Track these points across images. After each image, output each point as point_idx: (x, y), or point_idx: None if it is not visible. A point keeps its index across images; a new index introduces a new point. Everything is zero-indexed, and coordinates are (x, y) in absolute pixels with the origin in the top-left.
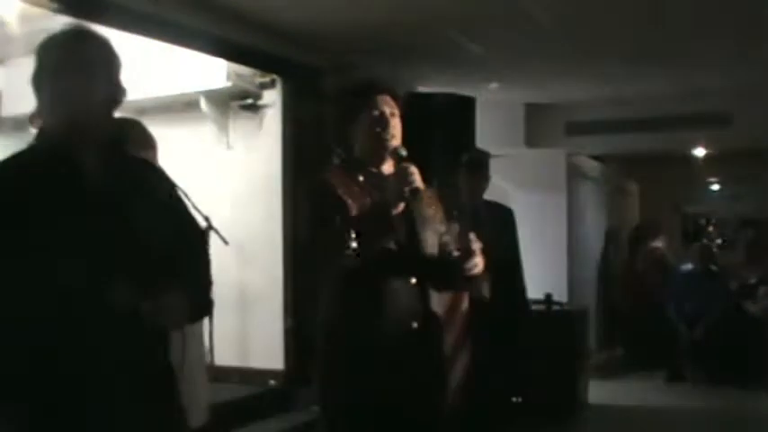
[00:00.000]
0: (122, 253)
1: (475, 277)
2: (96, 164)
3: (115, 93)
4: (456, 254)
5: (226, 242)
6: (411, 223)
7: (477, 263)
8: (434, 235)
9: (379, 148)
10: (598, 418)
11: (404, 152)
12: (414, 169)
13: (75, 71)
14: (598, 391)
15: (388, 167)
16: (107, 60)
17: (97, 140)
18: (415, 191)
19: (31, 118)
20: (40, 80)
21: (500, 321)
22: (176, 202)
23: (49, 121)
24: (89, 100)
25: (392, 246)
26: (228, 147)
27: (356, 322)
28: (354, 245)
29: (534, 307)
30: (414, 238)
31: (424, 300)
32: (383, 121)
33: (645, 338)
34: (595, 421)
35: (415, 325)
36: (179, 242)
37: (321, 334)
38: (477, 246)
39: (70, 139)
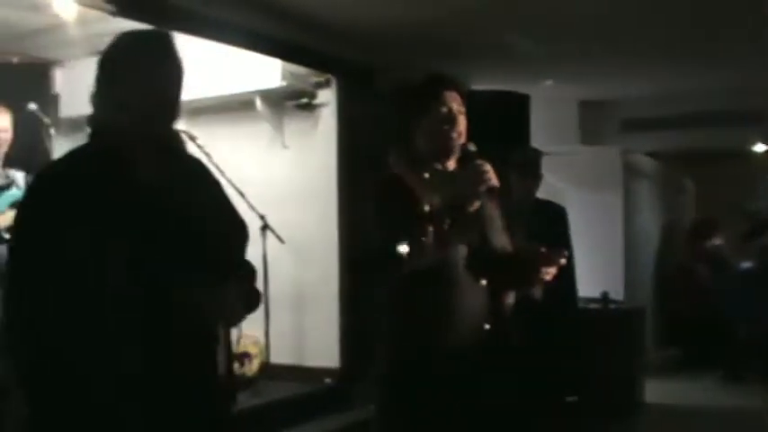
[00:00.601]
0: (185, 249)
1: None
2: (158, 161)
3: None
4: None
5: (282, 241)
6: (482, 222)
7: (554, 271)
8: (498, 234)
9: (446, 146)
10: (655, 417)
11: (473, 148)
12: (489, 167)
13: (166, 71)
14: (655, 391)
15: (451, 165)
16: (182, 63)
17: (164, 140)
18: (492, 189)
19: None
20: (117, 75)
21: (548, 321)
22: (224, 198)
23: (121, 118)
24: (174, 99)
25: (463, 245)
26: (284, 146)
27: (428, 323)
28: (429, 243)
29: (591, 305)
30: (485, 237)
31: (496, 301)
32: (452, 118)
33: (702, 338)
34: (652, 421)
35: (487, 326)
36: (230, 236)
37: (387, 333)
38: (551, 252)
39: (148, 135)
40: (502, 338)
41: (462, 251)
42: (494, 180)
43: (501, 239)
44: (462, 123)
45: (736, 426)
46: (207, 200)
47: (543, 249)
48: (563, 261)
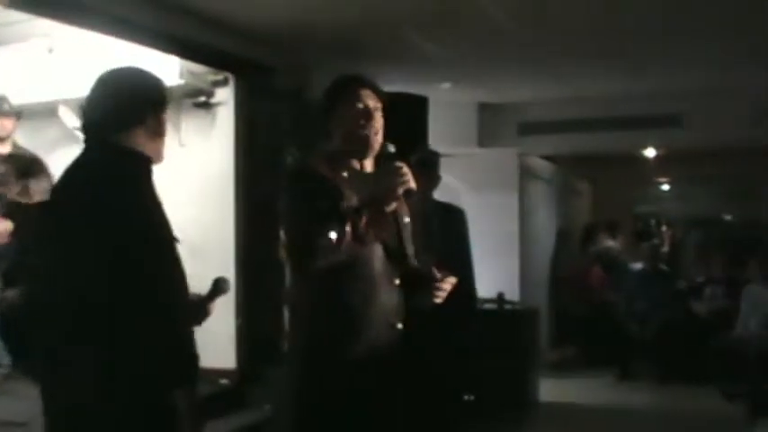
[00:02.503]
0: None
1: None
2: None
3: None
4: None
5: (177, 240)
6: (397, 225)
7: (444, 294)
8: (409, 238)
9: (363, 142)
10: (549, 415)
11: (392, 149)
12: (407, 169)
13: None
14: (550, 390)
15: (369, 165)
16: None
17: None
18: (410, 191)
19: None
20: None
21: (448, 322)
22: None
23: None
24: None
25: (379, 246)
26: (181, 144)
27: (341, 319)
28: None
29: (486, 306)
30: (400, 240)
31: (407, 301)
32: (367, 114)
33: (596, 337)
34: (546, 419)
35: (399, 325)
36: None
37: (299, 330)
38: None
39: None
40: (411, 337)
41: (378, 251)
42: (411, 182)
43: (410, 245)
44: (379, 120)
45: (627, 423)
46: None
47: (436, 272)
48: (448, 287)
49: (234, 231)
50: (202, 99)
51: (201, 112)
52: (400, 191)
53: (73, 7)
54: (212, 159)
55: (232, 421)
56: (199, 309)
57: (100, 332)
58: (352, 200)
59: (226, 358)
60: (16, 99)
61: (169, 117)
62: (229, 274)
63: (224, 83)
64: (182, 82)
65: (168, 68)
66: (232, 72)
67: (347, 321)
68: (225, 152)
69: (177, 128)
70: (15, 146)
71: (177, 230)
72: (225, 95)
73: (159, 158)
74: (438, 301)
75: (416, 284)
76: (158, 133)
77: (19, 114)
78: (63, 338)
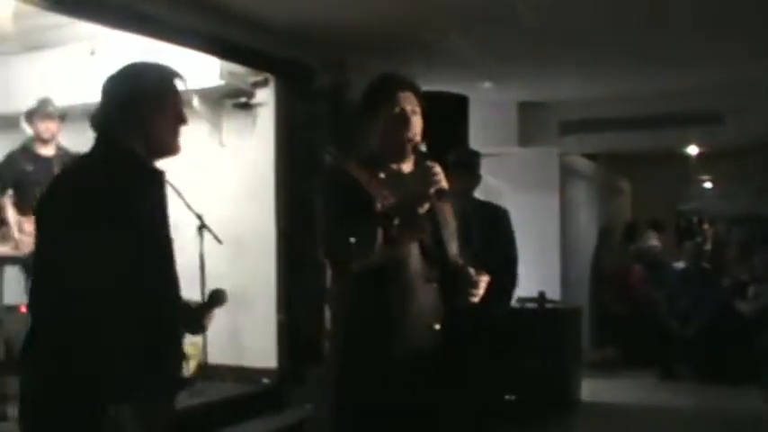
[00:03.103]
0: None
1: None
2: None
3: None
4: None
5: (219, 241)
6: (435, 225)
7: (481, 292)
8: (453, 240)
9: (399, 146)
10: (591, 415)
11: (423, 148)
12: (439, 169)
13: None
14: (591, 389)
15: (407, 166)
16: None
17: None
18: (441, 191)
19: (28, 116)
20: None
21: (490, 321)
22: None
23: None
24: None
25: (416, 246)
26: (222, 145)
27: (378, 322)
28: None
29: (527, 305)
30: (439, 240)
31: (445, 302)
32: (404, 119)
33: (638, 337)
34: (588, 419)
35: (437, 326)
36: None
37: (340, 330)
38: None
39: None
40: (450, 338)
41: (415, 251)
42: (443, 182)
43: (453, 245)
44: (417, 124)
45: (670, 424)
46: None
47: (472, 272)
48: (483, 285)
49: (275, 230)
50: (243, 100)
51: (242, 113)
52: (431, 191)
53: (116, 10)
54: (253, 159)
55: (273, 420)
56: (194, 318)
57: (72, 329)
58: (389, 201)
59: (267, 357)
60: (60, 101)
61: (209, 117)
62: (270, 273)
63: (264, 83)
64: (222, 83)
65: (209, 69)
66: (272, 73)
67: (385, 322)
68: (265, 152)
69: (218, 128)
70: (59, 147)
71: (218, 229)
72: (265, 96)
73: (169, 151)
74: (474, 300)
75: (454, 285)
76: (158, 128)
77: (63, 116)
78: (45, 329)
